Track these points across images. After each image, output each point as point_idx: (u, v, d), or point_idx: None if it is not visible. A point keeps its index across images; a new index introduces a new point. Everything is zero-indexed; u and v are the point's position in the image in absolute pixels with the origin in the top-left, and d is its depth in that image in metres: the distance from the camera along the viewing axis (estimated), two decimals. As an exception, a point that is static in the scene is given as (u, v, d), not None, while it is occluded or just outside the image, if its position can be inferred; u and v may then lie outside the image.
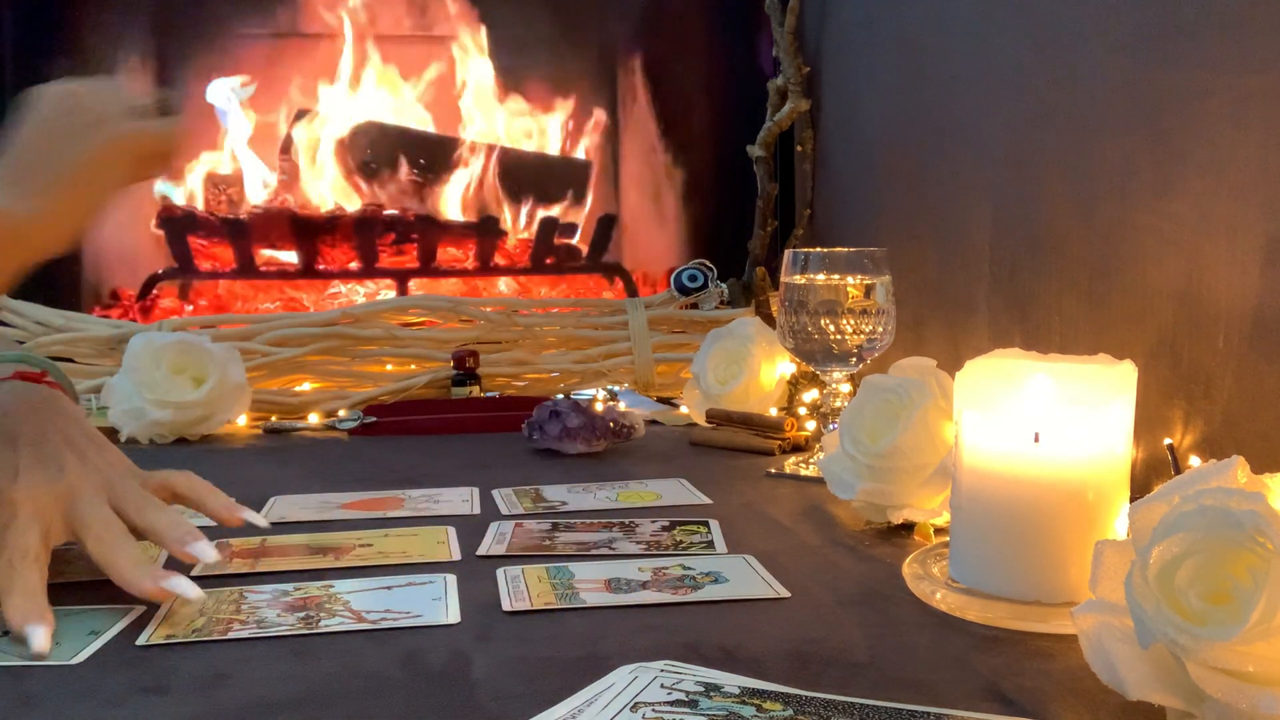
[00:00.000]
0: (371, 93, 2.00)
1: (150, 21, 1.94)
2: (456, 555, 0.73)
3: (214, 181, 1.95)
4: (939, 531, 0.76)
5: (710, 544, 0.75)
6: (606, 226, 1.99)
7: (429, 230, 1.90)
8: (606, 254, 1.99)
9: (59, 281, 1.83)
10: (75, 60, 1.87)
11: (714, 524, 0.79)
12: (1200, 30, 0.80)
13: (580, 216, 2.04)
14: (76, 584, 0.68)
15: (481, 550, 0.73)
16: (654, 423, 1.21)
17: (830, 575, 0.69)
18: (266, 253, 1.90)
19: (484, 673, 0.54)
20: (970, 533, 0.63)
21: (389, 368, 1.36)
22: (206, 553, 0.64)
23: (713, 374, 1.12)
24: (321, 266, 1.87)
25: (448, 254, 1.94)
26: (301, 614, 0.62)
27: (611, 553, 0.72)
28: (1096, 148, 0.93)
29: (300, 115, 1.96)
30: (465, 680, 0.53)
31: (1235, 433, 0.77)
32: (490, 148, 2.00)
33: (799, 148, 1.66)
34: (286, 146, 1.95)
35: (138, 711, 0.50)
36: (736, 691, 0.49)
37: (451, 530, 0.78)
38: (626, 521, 0.80)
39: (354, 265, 1.88)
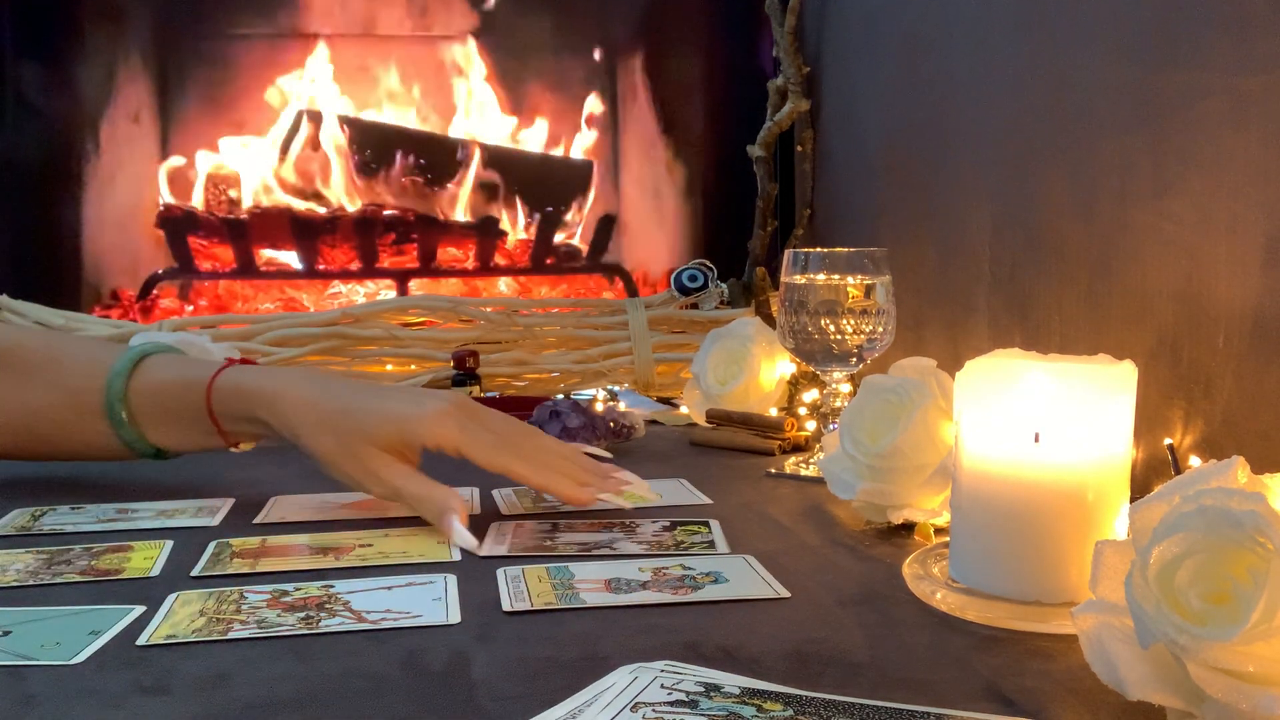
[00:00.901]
0: (372, 93, 2.00)
1: (150, 22, 1.94)
2: (457, 555, 0.73)
3: (214, 181, 1.95)
4: (939, 531, 0.76)
5: (711, 544, 0.75)
6: (606, 226, 1.99)
7: (429, 230, 1.90)
8: (606, 254, 1.99)
9: (59, 281, 1.84)
10: (75, 60, 1.87)
11: (714, 524, 0.79)
12: (1200, 30, 0.80)
13: (580, 216, 2.04)
14: (77, 584, 0.68)
15: (483, 551, 0.73)
16: (654, 423, 1.21)
17: (830, 575, 0.69)
18: (266, 253, 1.90)
19: (484, 673, 0.54)
20: (970, 533, 0.63)
21: (389, 368, 1.36)
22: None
23: (713, 374, 1.12)
24: (321, 266, 1.88)
25: (448, 254, 1.94)
26: (301, 614, 0.62)
27: (613, 553, 0.72)
28: (1096, 148, 0.93)
29: (300, 116, 1.96)
30: (465, 680, 0.53)
31: (1235, 433, 0.77)
32: (490, 148, 2.01)
33: (799, 148, 1.66)
34: (286, 147, 1.96)
35: (138, 711, 0.50)
36: (736, 691, 0.49)
37: None
38: (627, 522, 0.80)
39: (354, 265, 1.88)
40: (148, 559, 0.73)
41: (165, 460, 0.91)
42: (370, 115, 1.99)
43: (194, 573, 0.70)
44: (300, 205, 1.93)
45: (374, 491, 0.80)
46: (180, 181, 1.95)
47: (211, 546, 0.75)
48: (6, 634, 0.59)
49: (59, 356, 0.90)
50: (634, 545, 0.74)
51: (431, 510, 0.77)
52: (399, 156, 1.98)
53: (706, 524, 0.79)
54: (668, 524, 0.79)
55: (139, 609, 0.63)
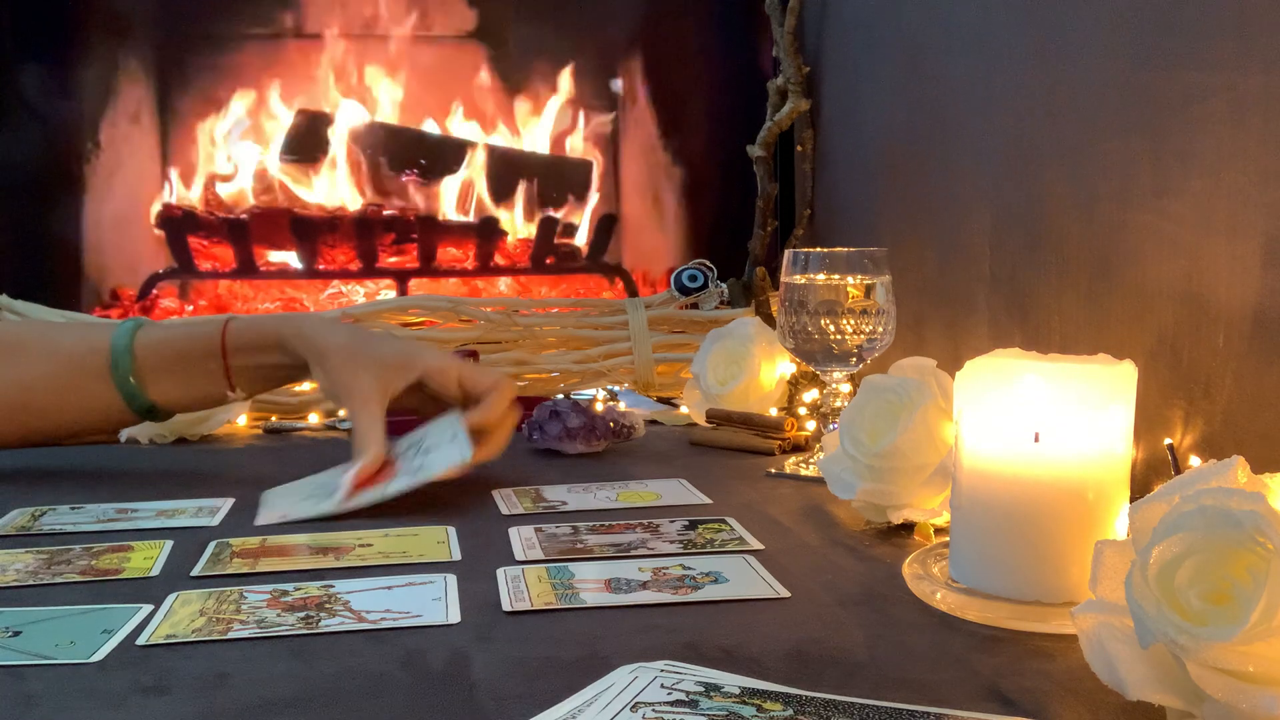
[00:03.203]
0: (371, 93, 2.00)
1: (151, 22, 1.94)
2: (456, 555, 0.73)
3: (214, 181, 1.95)
4: (939, 531, 0.76)
5: (740, 539, 0.75)
6: (606, 226, 1.99)
7: (429, 230, 1.90)
8: (606, 254, 1.99)
9: (60, 281, 1.84)
10: (75, 60, 1.87)
11: (732, 520, 0.79)
12: (1200, 30, 0.80)
13: (580, 216, 2.04)
14: (77, 584, 0.68)
15: (518, 557, 0.73)
16: (654, 423, 1.21)
17: (830, 575, 0.69)
18: (267, 253, 1.90)
19: (484, 673, 0.54)
20: (970, 533, 0.63)
21: (389, 368, 1.35)
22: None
23: (713, 374, 1.12)
24: (321, 266, 1.87)
25: (448, 254, 1.94)
26: (301, 614, 0.62)
27: (650, 553, 0.72)
28: (1096, 148, 0.93)
29: (300, 115, 1.96)
30: (465, 680, 0.53)
31: (1235, 433, 0.77)
32: (490, 148, 2.00)
33: (799, 148, 1.66)
34: (287, 147, 1.96)
35: (138, 711, 0.50)
36: (736, 691, 0.49)
37: (451, 530, 0.78)
38: (647, 523, 0.80)
39: (354, 265, 1.88)
40: (148, 559, 0.73)
41: (157, 421, 0.98)
42: (370, 115, 1.99)
43: (194, 573, 0.70)
44: (300, 205, 1.93)
45: (343, 401, 0.90)
46: (180, 181, 1.95)
47: (211, 546, 0.75)
48: (17, 634, 0.59)
49: (53, 334, 0.98)
50: (668, 545, 0.74)
51: (357, 446, 0.87)
52: (399, 156, 1.98)
53: (725, 521, 0.79)
54: (687, 523, 0.79)
55: (147, 607, 0.63)
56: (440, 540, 0.76)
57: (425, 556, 0.72)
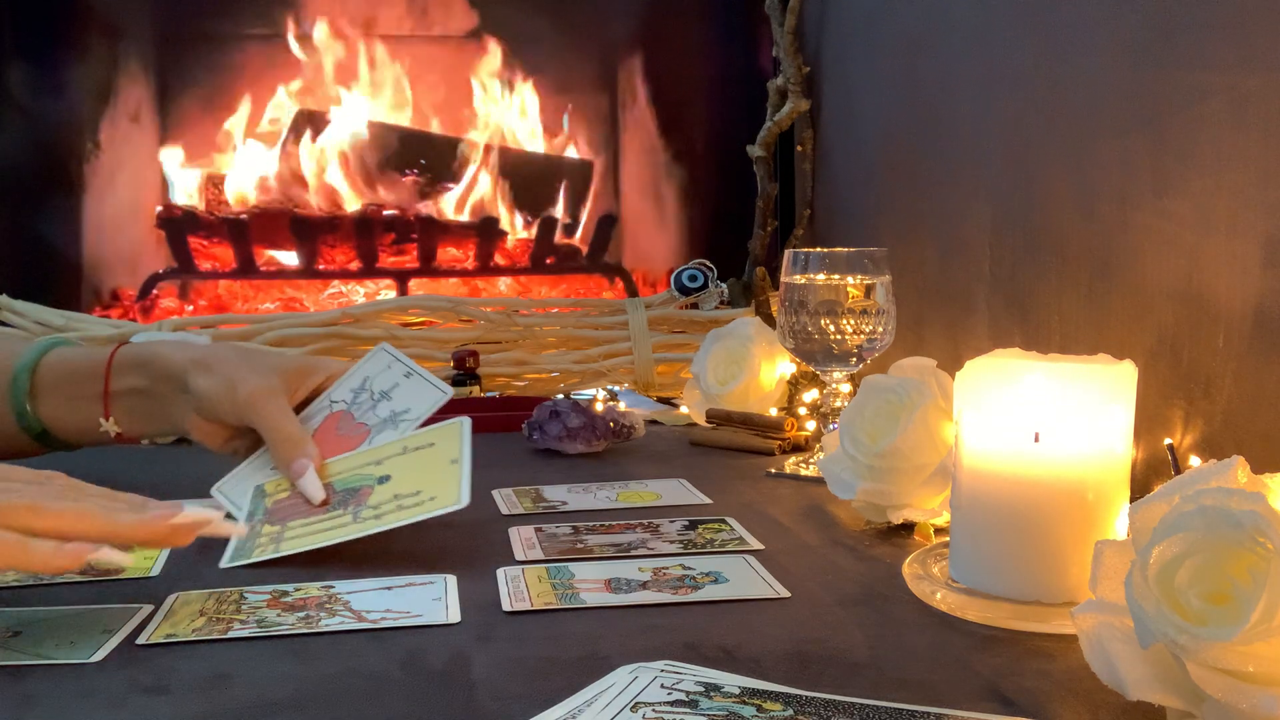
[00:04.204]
0: (372, 93, 2.00)
1: (151, 22, 1.94)
2: (465, 500, 0.72)
3: (214, 181, 1.95)
4: (939, 531, 0.76)
5: (740, 539, 0.75)
6: (606, 226, 1.99)
7: (429, 230, 1.90)
8: (606, 254, 1.99)
9: (60, 281, 1.84)
10: (75, 60, 1.87)
11: (732, 520, 0.79)
12: (1200, 30, 0.80)
13: (580, 216, 2.04)
14: (77, 584, 0.68)
15: (519, 557, 0.73)
16: (654, 423, 1.21)
17: (830, 575, 0.69)
18: (267, 253, 1.90)
19: (484, 673, 0.54)
20: (970, 533, 0.63)
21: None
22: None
23: (713, 374, 1.12)
24: (321, 266, 1.88)
25: (448, 254, 1.94)
26: (301, 614, 0.62)
27: (650, 553, 0.72)
28: (1096, 148, 0.93)
29: (300, 115, 1.97)
30: (465, 680, 0.53)
31: (1235, 433, 0.77)
32: (491, 148, 2.00)
33: (799, 148, 1.66)
34: (286, 147, 1.95)
35: (138, 711, 0.50)
36: (736, 691, 0.49)
37: (466, 422, 0.78)
38: (647, 523, 0.80)
39: (354, 265, 1.88)
40: (148, 559, 0.73)
41: (50, 449, 0.89)
42: (370, 115, 1.99)
43: (242, 520, 0.75)
44: (300, 205, 1.93)
45: (236, 399, 0.80)
46: (180, 181, 1.95)
47: (251, 490, 0.78)
48: (16, 634, 0.59)
49: None
50: (668, 545, 0.74)
51: (288, 450, 0.78)
52: (399, 156, 1.98)
53: (725, 521, 0.79)
54: (687, 523, 0.79)
55: (147, 607, 0.63)
56: (453, 459, 0.75)
57: (435, 492, 0.73)
